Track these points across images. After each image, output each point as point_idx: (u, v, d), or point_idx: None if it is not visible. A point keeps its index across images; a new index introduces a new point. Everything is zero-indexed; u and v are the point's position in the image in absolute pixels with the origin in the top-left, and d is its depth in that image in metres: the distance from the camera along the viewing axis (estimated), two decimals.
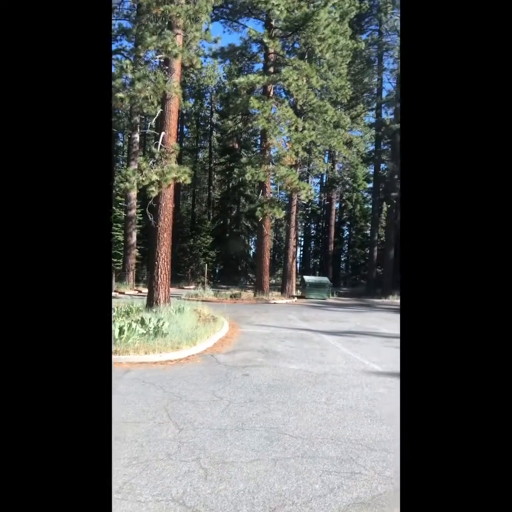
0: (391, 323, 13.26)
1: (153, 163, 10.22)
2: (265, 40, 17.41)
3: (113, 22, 19.53)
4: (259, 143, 22.44)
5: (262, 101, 17.09)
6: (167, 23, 10.57)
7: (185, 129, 37.24)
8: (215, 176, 37.19)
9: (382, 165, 29.33)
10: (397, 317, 15.46)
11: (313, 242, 43.88)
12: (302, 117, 19.22)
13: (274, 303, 18.71)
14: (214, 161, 36.63)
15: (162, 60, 11.11)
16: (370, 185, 34.21)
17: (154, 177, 9.74)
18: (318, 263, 41.06)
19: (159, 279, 10.79)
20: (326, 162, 31.91)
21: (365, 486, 2.96)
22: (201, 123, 37.14)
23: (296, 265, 32.17)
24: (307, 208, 38.21)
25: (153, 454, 3.37)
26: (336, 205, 37.67)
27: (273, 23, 18.61)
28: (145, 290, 14.98)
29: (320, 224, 41.47)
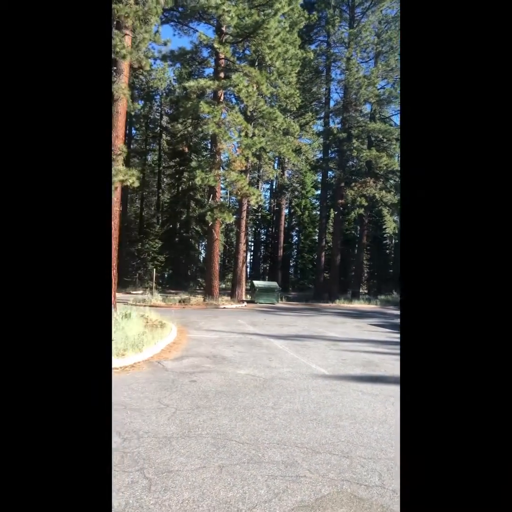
0: (338, 327, 13.61)
1: None
2: (216, 45, 17.44)
3: None
4: (209, 147, 22.32)
5: (213, 106, 17.08)
6: (115, 23, 10.34)
7: (133, 131, 36.46)
8: (165, 179, 36.55)
9: (330, 173, 30.14)
10: (342, 320, 15.88)
11: (263, 247, 44.13)
12: (252, 123, 19.39)
13: (224, 308, 18.67)
14: (164, 164, 36.07)
15: None
16: (318, 192, 35.02)
17: None
18: (267, 268, 41.37)
19: None
20: (276, 168, 32.32)
21: (309, 489, 3.01)
22: (150, 126, 36.43)
23: (246, 270, 32.25)
24: (257, 214, 38.47)
25: None
26: (285, 211, 38.24)
27: (224, 29, 18.66)
28: None
29: (270, 229, 41.85)
